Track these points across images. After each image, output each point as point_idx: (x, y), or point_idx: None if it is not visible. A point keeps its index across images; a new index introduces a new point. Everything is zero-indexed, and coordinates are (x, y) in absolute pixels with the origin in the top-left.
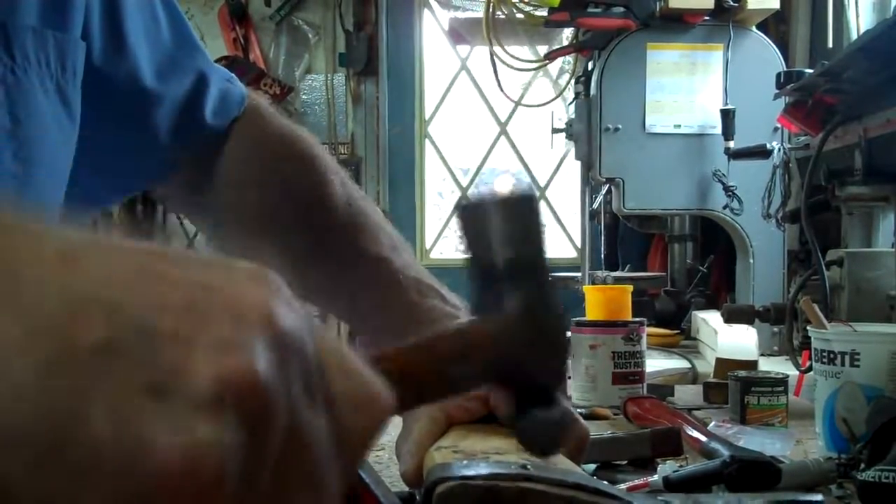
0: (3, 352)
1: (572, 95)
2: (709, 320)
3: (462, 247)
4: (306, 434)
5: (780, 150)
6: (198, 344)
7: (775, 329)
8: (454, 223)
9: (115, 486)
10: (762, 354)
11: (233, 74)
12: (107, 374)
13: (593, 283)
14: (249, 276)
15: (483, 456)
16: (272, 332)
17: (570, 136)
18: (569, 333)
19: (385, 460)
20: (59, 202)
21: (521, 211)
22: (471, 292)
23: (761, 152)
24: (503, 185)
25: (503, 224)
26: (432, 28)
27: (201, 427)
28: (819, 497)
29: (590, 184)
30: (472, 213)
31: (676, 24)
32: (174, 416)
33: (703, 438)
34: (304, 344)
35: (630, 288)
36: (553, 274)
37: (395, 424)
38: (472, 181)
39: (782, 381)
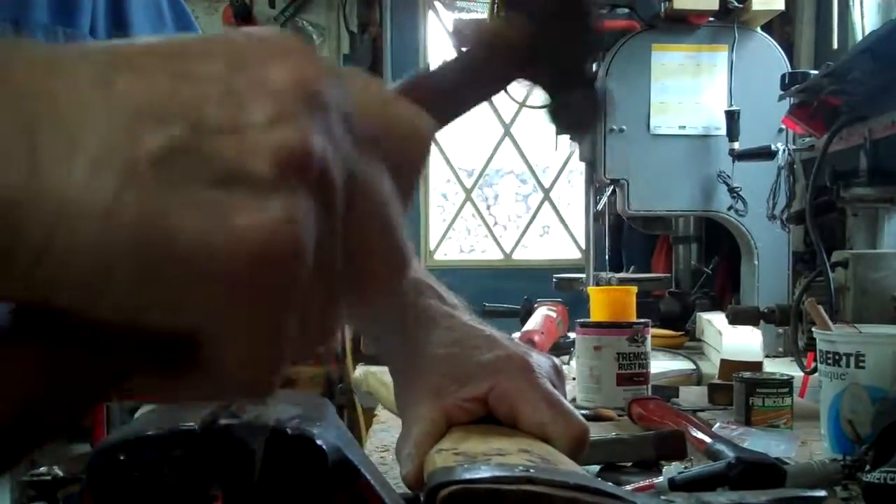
0: (78, 183)
1: None
2: (713, 321)
3: None
4: (366, 184)
5: (784, 151)
6: (246, 128)
7: (780, 330)
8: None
9: (210, 285)
10: (767, 356)
11: None
12: (176, 181)
13: (598, 284)
14: (273, 46)
15: (484, 458)
16: (310, 96)
17: (574, 138)
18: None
19: (390, 462)
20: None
21: None
22: None
23: (766, 153)
24: None
25: None
26: (436, 29)
27: (273, 204)
28: (822, 493)
29: (594, 185)
30: None
31: (681, 26)
32: (246, 201)
33: (707, 440)
34: (342, 98)
35: (634, 289)
36: None
37: (399, 426)
38: (475, 183)
39: (787, 383)
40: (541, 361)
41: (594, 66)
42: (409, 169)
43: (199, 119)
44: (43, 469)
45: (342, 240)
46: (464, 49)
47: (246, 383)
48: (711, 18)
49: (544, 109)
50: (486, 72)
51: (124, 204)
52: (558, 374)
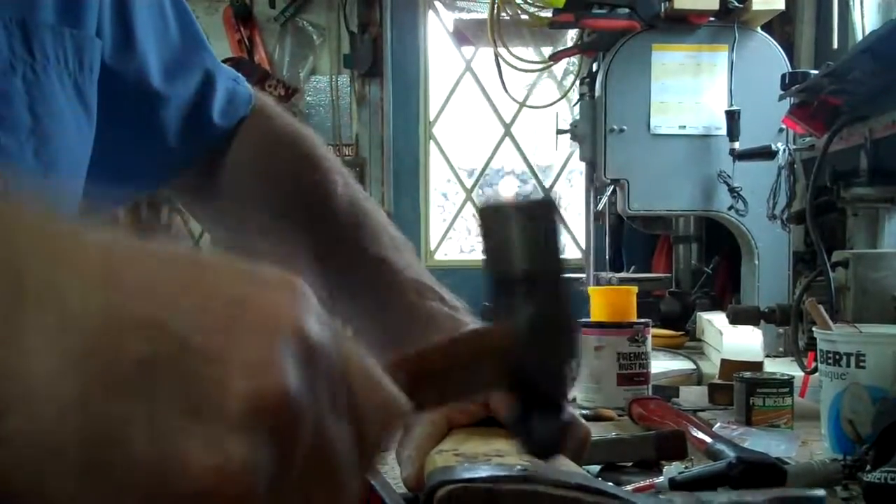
0: (49, 372)
1: (577, 96)
2: (714, 321)
3: (482, 248)
4: (330, 444)
5: (785, 151)
6: (233, 363)
7: (780, 330)
8: (473, 224)
9: (153, 497)
10: (767, 355)
11: (239, 74)
12: (146, 394)
13: (598, 284)
14: (281, 287)
15: (484, 458)
16: (303, 347)
17: (574, 138)
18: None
19: (390, 462)
20: (78, 201)
21: (541, 216)
22: (487, 295)
23: (766, 153)
24: (525, 190)
25: (523, 229)
26: (437, 29)
27: (234, 447)
28: (822, 493)
29: (595, 185)
30: (492, 216)
31: (681, 26)
32: (209, 436)
33: (708, 440)
34: (332, 357)
35: (635, 289)
36: (570, 276)
37: None
38: (476, 182)
39: (788, 383)
40: None
41: (568, 392)
42: (373, 443)
43: (188, 341)
44: None
45: (295, 484)
46: (455, 346)
47: None
48: (712, 18)
49: (512, 425)
50: (470, 376)
51: (86, 405)
52: None
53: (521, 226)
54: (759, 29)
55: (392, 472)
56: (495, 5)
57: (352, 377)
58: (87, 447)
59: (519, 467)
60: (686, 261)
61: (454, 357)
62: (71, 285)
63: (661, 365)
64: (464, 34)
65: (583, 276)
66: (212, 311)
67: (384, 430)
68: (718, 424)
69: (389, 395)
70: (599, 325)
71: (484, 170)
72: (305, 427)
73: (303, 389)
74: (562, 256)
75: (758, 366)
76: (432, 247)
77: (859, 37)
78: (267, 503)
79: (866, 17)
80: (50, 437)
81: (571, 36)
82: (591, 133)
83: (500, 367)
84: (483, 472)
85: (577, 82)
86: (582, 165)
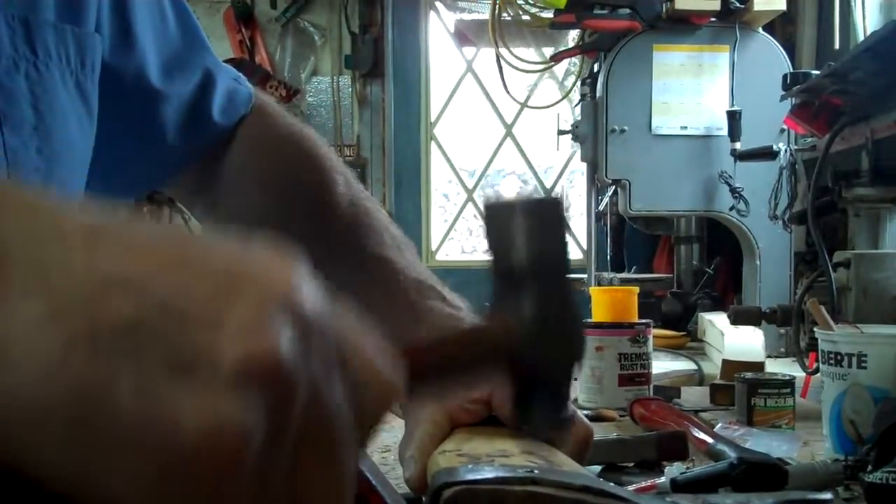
0: (29, 330)
1: (578, 97)
2: (715, 322)
3: (486, 245)
4: (325, 411)
5: (786, 151)
6: (223, 325)
7: (782, 331)
8: (474, 225)
9: (139, 462)
10: (769, 356)
11: (240, 73)
12: (132, 353)
13: (599, 284)
14: (273, 259)
15: (488, 459)
16: (294, 312)
17: (576, 138)
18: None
19: (391, 462)
20: (79, 198)
21: (547, 216)
22: (491, 290)
23: (768, 154)
24: (530, 189)
25: (528, 227)
26: (438, 30)
27: (225, 406)
28: (828, 496)
29: (596, 185)
30: (498, 213)
31: (683, 26)
32: (198, 394)
33: (709, 440)
34: (325, 324)
35: (636, 289)
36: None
37: (401, 427)
38: (477, 183)
39: (789, 383)
40: None
41: (571, 384)
42: (370, 415)
43: (175, 302)
44: None
45: (289, 453)
46: (454, 333)
47: None
48: (713, 19)
49: (515, 409)
50: (466, 362)
51: (69, 364)
52: None
53: (527, 223)
54: (760, 29)
55: (394, 473)
56: (496, 6)
57: (347, 349)
58: (70, 407)
59: (524, 468)
60: (687, 261)
61: (455, 351)
62: (53, 247)
63: (663, 365)
64: (465, 35)
65: (584, 276)
66: (202, 277)
67: (380, 405)
68: (720, 425)
69: (385, 369)
70: (601, 326)
71: (485, 170)
72: (298, 392)
73: (295, 353)
74: (567, 255)
75: (759, 366)
76: (433, 247)
77: (861, 37)
78: (259, 471)
79: (868, 17)
80: (31, 392)
81: (573, 36)
82: (593, 133)
83: (502, 362)
84: (488, 473)
85: (579, 83)
86: (583, 166)
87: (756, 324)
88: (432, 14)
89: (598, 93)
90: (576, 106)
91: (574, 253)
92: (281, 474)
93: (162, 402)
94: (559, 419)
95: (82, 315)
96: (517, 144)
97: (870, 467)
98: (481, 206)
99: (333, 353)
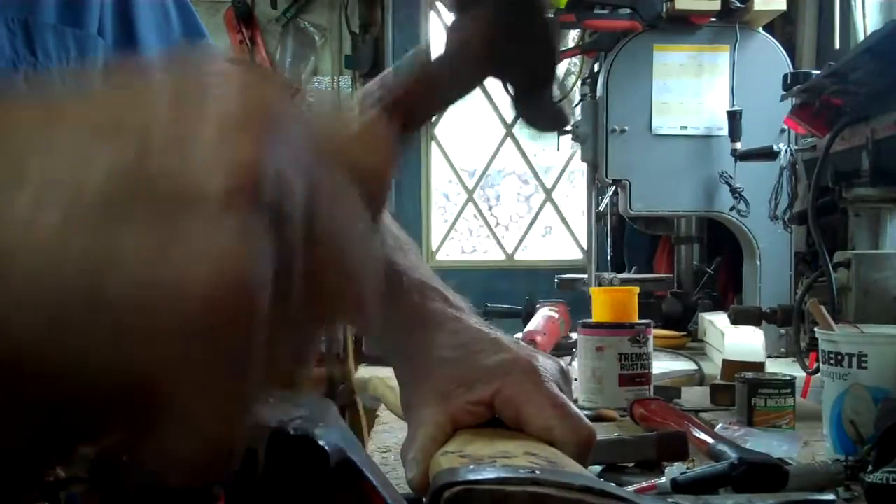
0: (24, 217)
1: (578, 97)
2: (716, 322)
3: None
4: (327, 198)
5: (787, 151)
6: (194, 145)
7: (782, 331)
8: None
9: (161, 331)
10: (769, 356)
11: None
12: (123, 206)
13: (600, 284)
14: (222, 74)
15: (490, 460)
16: (262, 114)
17: (576, 138)
18: (553, 19)
19: (392, 462)
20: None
21: None
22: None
23: (768, 154)
24: None
25: None
26: (439, 30)
27: (224, 226)
28: (831, 497)
29: (596, 185)
30: None
31: (683, 26)
32: (196, 224)
33: (710, 440)
34: (299, 115)
35: (637, 290)
36: None
37: (401, 427)
38: (477, 183)
39: (789, 383)
40: (547, 365)
41: (555, 67)
42: (374, 177)
43: (144, 140)
44: None
45: (304, 260)
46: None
47: (214, 435)
48: (713, 19)
49: (515, 109)
50: (455, 74)
51: (69, 240)
52: (565, 377)
53: None
54: (760, 29)
55: (395, 474)
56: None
57: (330, 132)
58: (81, 279)
59: (526, 469)
60: (688, 261)
61: (432, 66)
62: (15, 131)
63: (663, 365)
64: None
65: (584, 276)
66: (162, 107)
67: (379, 169)
68: (720, 425)
69: (372, 135)
70: (601, 326)
71: (485, 170)
72: (293, 186)
73: (279, 150)
74: None
75: (759, 366)
76: (434, 247)
77: (861, 37)
78: (279, 288)
79: (868, 17)
80: (45, 281)
81: (573, 36)
82: (593, 133)
83: (479, 57)
84: (489, 473)
85: (579, 83)
86: (583, 166)
87: (756, 324)
88: (433, 14)
89: (599, 93)
90: (576, 106)
91: (574, 253)
92: (298, 285)
93: (166, 260)
94: (552, 108)
95: (63, 189)
96: (517, 144)
97: (870, 467)
98: None
99: (313, 144)
